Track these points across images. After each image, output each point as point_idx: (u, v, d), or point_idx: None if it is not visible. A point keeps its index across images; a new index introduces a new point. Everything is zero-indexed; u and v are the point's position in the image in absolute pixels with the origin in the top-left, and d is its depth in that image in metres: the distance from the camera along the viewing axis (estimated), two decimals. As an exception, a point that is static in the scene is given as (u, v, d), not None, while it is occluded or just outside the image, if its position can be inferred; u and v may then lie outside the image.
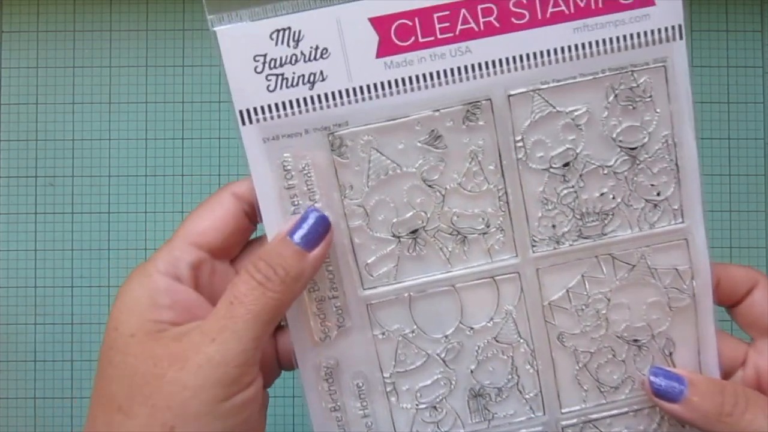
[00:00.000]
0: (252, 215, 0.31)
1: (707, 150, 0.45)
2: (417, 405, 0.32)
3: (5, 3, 0.35)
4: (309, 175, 0.30)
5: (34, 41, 0.36)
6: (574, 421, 0.32)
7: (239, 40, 0.29)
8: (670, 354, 0.32)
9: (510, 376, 0.32)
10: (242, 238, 0.31)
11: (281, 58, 0.29)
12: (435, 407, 0.32)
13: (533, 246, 0.31)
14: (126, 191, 0.37)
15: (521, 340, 0.32)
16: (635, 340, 0.32)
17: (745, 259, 0.46)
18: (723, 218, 0.45)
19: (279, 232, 0.29)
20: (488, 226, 0.31)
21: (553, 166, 0.31)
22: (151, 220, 0.38)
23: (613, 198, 0.31)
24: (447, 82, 0.30)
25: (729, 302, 0.33)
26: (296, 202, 0.30)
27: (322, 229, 0.29)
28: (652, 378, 0.31)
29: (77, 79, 0.36)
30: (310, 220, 0.29)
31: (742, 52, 0.44)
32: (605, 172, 0.31)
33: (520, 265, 0.31)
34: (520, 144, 0.31)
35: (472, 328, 0.31)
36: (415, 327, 0.31)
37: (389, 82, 0.30)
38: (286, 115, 0.30)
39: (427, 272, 0.31)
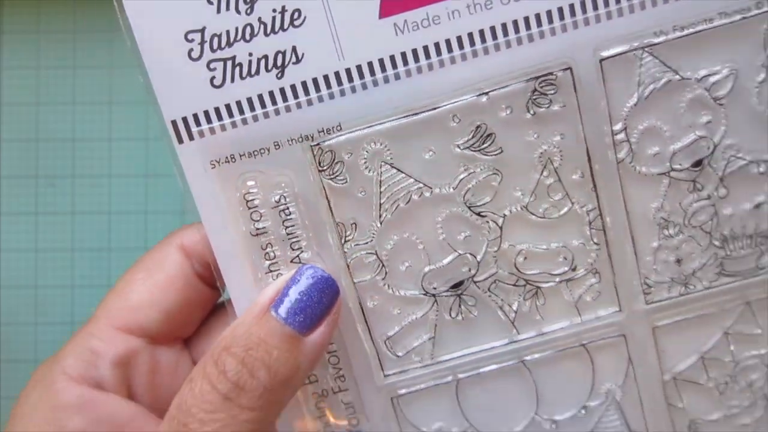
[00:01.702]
0: (209, 277, 0.20)
1: None
2: None
3: (5, 3, 0.36)
4: (287, 211, 0.19)
5: (34, 41, 0.36)
6: None
7: (159, 9, 0.18)
8: None
9: (616, 487, 0.21)
10: (198, 312, 0.21)
11: (229, 33, 0.18)
12: None
13: (646, 293, 0.20)
14: (126, 191, 0.37)
15: (631, 435, 0.21)
16: (811, 425, 0.21)
17: None
18: None
19: (255, 305, 0.19)
20: (574, 269, 0.20)
21: (677, 167, 0.19)
22: (152, 220, 0.37)
23: (777, 212, 0.20)
24: (497, 47, 0.19)
25: None
26: (272, 255, 0.20)
27: (324, 296, 0.19)
28: None
29: (77, 80, 0.36)
30: (304, 284, 0.19)
31: None
32: (762, 170, 0.19)
33: (625, 323, 0.20)
34: (622, 136, 0.19)
35: (554, 422, 0.21)
36: (467, 425, 0.21)
37: (404, 56, 0.19)
38: (244, 121, 0.19)
39: (480, 343, 0.20)
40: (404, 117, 0.19)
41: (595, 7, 0.18)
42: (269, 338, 0.18)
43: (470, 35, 0.19)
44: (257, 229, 0.19)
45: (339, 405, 0.20)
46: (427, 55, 0.19)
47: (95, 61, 0.36)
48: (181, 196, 0.36)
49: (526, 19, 0.18)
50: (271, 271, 0.20)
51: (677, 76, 0.19)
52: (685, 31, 0.18)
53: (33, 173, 0.37)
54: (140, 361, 0.20)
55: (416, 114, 0.19)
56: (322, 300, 0.19)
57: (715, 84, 0.19)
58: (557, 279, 0.20)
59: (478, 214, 0.19)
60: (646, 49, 0.18)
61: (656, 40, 0.18)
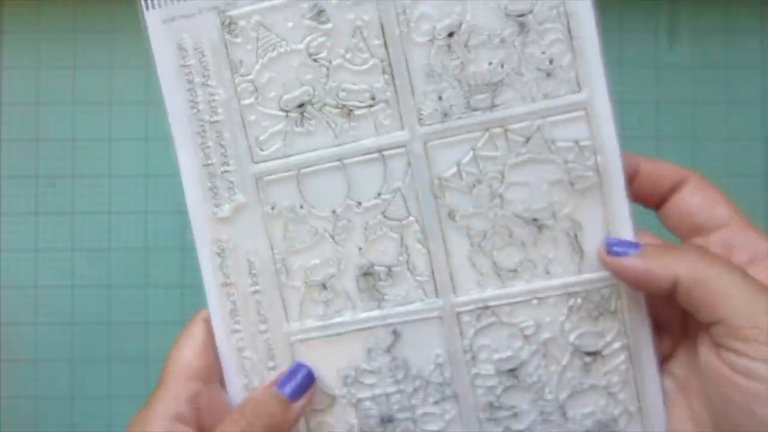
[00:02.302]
0: None
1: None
2: (306, 283, 0.32)
3: (5, 3, 0.35)
4: (203, 53, 0.32)
5: (34, 41, 0.36)
6: (471, 307, 0.31)
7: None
8: (576, 236, 0.30)
9: (400, 256, 0.31)
10: None
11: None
12: (324, 286, 0.31)
13: (420, 119, 0.31)
14: (126, 191, 0.37)
15: (411, 218, 0.31)
16: (535, 220, 0.30)
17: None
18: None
19: (266, 385, 0.31)
20: (374, 99, 0.31)
21: (438, 36, 0.30)
22: (152, 220, 0.38)
23: (503, 67, 0.30)
24: (332, -39, 0.31)
25: (652, 200, 0.30)
26: (190, 79, 0.32)
27: (308, 381, 0.31)
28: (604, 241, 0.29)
29: (77, 79, 0.36)
30: (299, 375, 0.31)
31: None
32: (494, 42, 0.30)
33: (408, 140, 0.31)
34: (404, 18, 0.31)
35: (359, 203, 0.31)
36: (303, 203, 0.31)
37: (278, -36, 0.31)
38: (182, -2, 0.32)
39: (315, 148, 0.31)
40: (276, 0, 0.31)
41: (392, -60, 0.31)
42: (271, 403, 0.29)
43: (318, -45, 0.31)
44: (185, 64, 0.32)
45: (225, 182, 0.32)
46: (292, -34, 0.31)
47: (95, 61, 0.36)
48: (181, 196, 0.37)
49: (352, -53, 0.31)
50: (189, 89, 0.32)
51: (440, -19, 0.30)
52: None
53: (33, 173, 0.36)
54: (203, 397, 0.29)
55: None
56: (305, 383, 0.31)
57: (463, -14, 0.30)
58: (363, 106, 0.31)
59: (316, 61, 0.31)
60: (418, -37, 0.30)
61: (427, -41, 0.30)
